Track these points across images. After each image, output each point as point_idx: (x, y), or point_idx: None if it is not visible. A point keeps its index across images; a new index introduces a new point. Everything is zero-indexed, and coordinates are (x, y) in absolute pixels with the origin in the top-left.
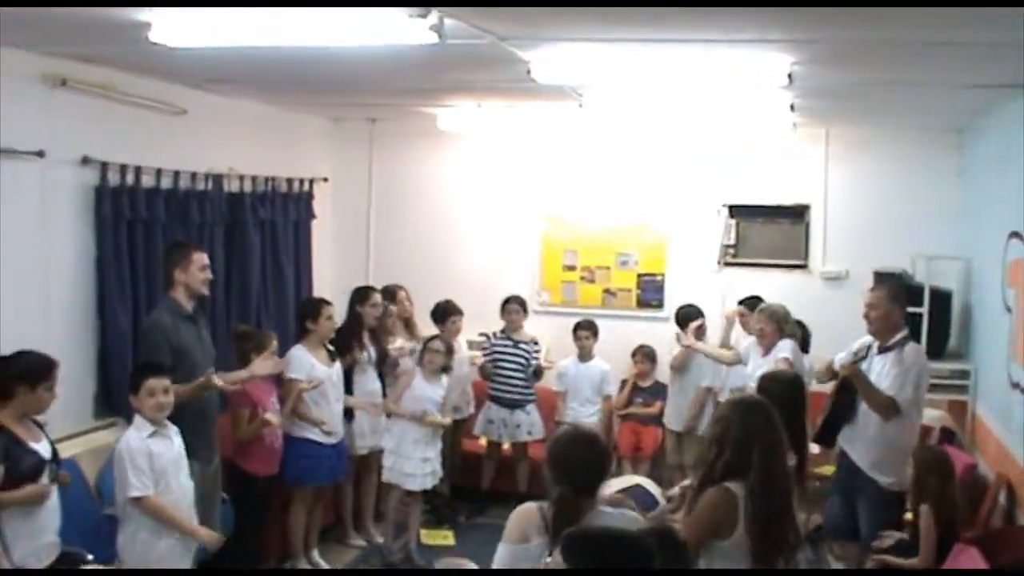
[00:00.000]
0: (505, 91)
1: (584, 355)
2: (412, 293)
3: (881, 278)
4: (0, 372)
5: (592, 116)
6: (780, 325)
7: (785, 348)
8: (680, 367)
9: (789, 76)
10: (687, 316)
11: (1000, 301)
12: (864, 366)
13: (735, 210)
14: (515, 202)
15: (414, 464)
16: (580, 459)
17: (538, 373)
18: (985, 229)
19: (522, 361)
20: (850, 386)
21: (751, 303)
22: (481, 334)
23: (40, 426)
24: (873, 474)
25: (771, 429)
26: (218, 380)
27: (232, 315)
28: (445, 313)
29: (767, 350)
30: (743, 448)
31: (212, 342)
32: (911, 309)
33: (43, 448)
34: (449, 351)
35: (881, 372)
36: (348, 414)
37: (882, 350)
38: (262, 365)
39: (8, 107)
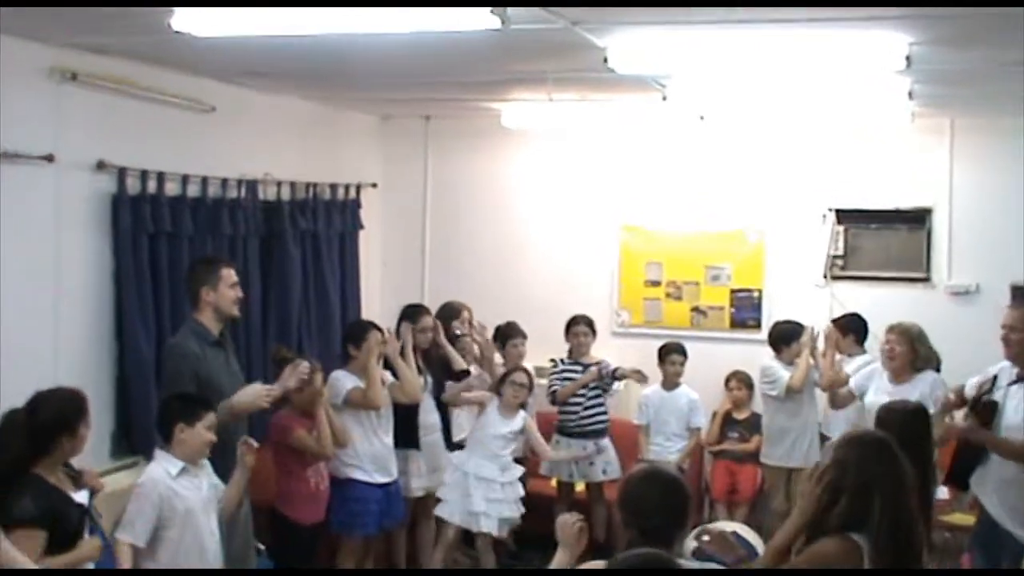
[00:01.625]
0: (578, 83)
1: (669, 382)
2: (476, 315)
3: (1020, 293)
4: (34, 423)
5: (677, 110)
6: (914, 346)
7: (929, 381)
8: (799, 387)
9: (907, 59)
10: (785, 335)
11: None
12: (997, 396)
13: (844, 215)
14: (590, 209)
15: (483, 500)
16: (654, 502)
17: (616, 375)
18: None
19: (593, 387)
20: (985, 414)
21: (847, 322)
22: (552, 360)
23: (72, 470)
24: (1013, 527)
25: (897, 472)
26: (250, 454)
27: (269, 340)
28: (506, 336)
29: (897, 376)
30: (863, 496)
31: (243, 371)
32: None
33: (81, 495)
34: (531, 385)
35: (1019, 406)
36: (407, 443)
37: (1021, 379)
38: (290, 376)
39: (12, 105)
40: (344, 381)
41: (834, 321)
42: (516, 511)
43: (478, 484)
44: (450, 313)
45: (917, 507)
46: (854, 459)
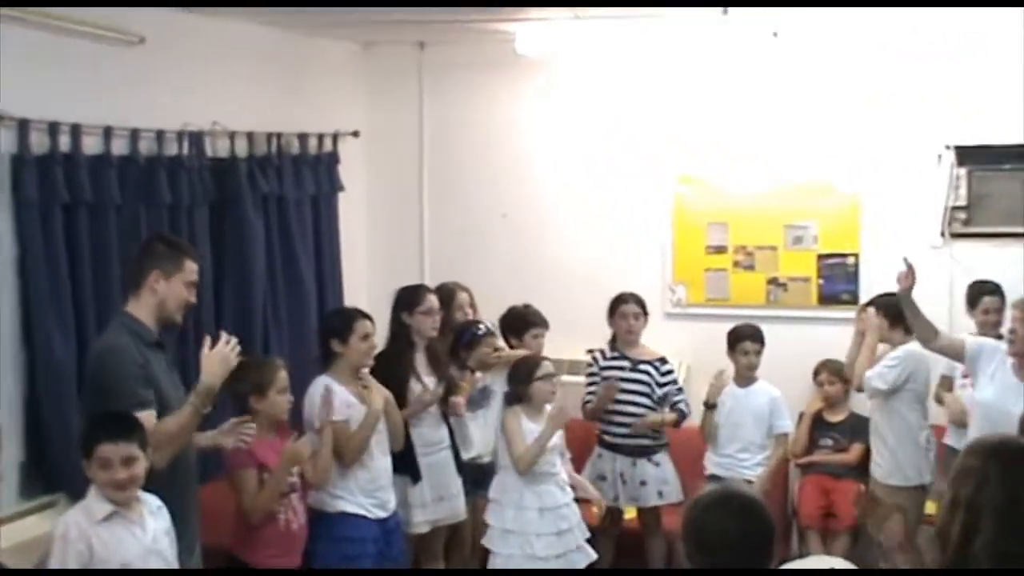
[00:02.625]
0: None
1: (744, 377)
2: (482, 295)
3: None
4: None
5: (743, 26)
6: None
7: None
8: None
9: None
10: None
11: None
12: None
13: (966, 154)
14: (633, 158)
15: (542, 541)
16: (729, 533)
17: (674, 410)
18: None
19: (645, 390)
20: None
21: (891, 303)
22: (589, 351)
23: None
24: None
25: None
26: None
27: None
28: (523, 324)
29: None
30: (1007, 517)
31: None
32: None
33: None
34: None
35: None
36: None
37: None
38: (226, 433)
39: None
40: (332, 394)
41: (876, 302)
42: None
43: (543, 519)
44: (444, 297)
45: None
46: (994, 472)
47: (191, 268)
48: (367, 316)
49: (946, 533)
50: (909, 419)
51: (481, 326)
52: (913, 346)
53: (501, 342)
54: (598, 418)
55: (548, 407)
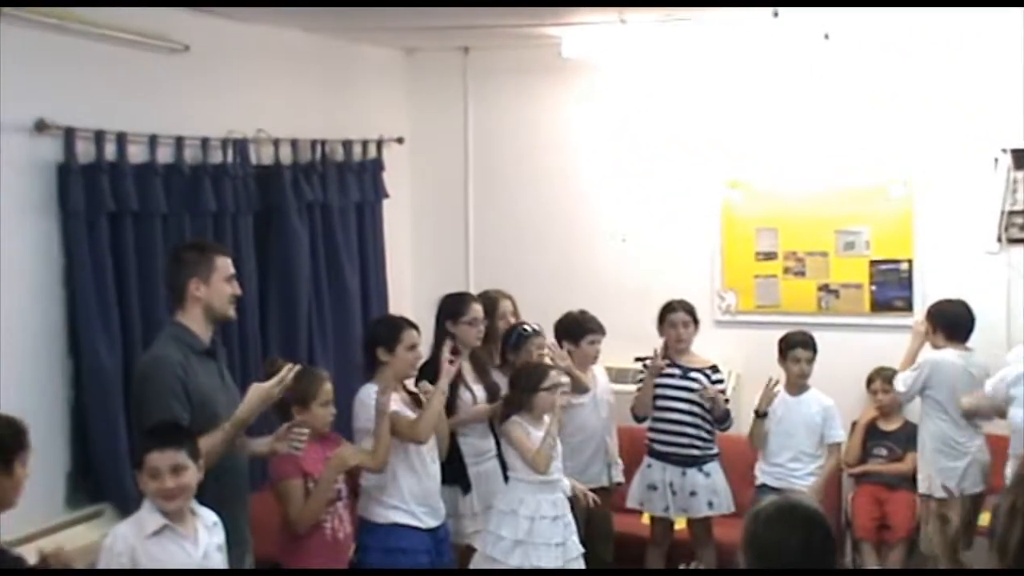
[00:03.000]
0: None
1: (796, 385)
2: (528, 303)
3: None
4: None
5: (794, 28)
6: None
7: None
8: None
9: None
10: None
11: None
12: None
13: (1023, 157)
14: (680, 163)
15: (551, 553)
16: (792, 546)
17: (721, 415)
18: None
19: (696, 398)
20: None
21: (940, 311)
22: (638, 359)
23: None
24: None
25: None
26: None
27: (270, 344)
28: (580, 329)
29: None
30: None
31: (237, 385)
32: None
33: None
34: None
35: None
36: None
37: None
38: (280, 438)
39: None
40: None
41: (930, 310)
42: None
43: (554, 526)
44: (487, 306)
45: None
46: None
47: (224, 263)
48: (414, 325)
49: (1005, 543)
50: (937, 427)
51: (527, 327)
52: (934, 353)
53: (551, 340)
54: (645, 414)
55: (547, 417)
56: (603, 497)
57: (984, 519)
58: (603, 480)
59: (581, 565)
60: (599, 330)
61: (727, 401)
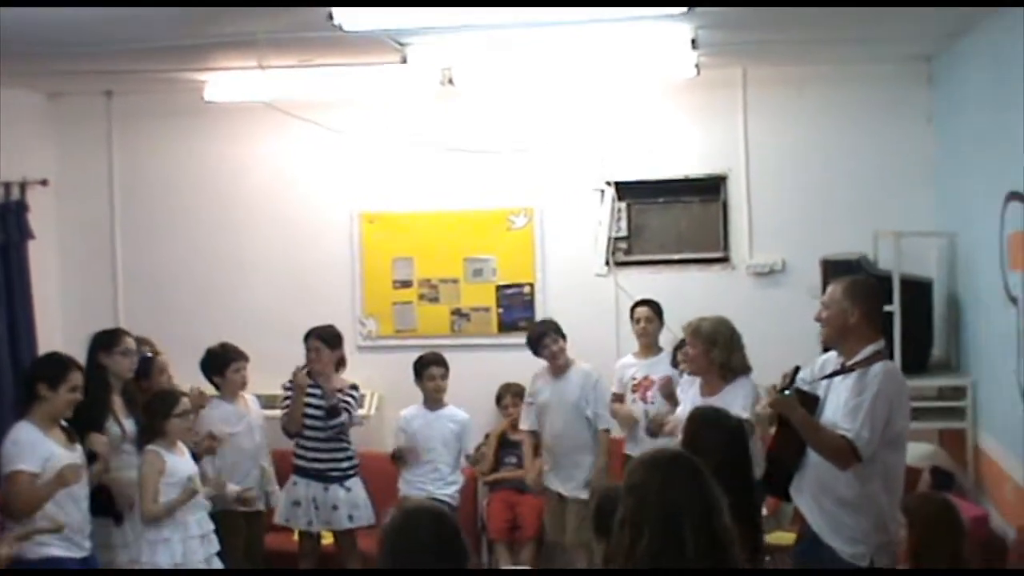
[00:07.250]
0: (298, 45)
1: (433, 401)
2: (177, 339)
3: (833, 269)
4: None
5: (421, 74)
6: (707, 348)
7: (743, 391)
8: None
9: None
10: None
11: (1000, 289)
12: (821, 392)
13: (625, 189)
14: (322, 198)
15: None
16: (420, 548)
17: (333, 411)
18: (971, 191)
19: (336, 425)
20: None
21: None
22: (286, 386)
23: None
24: (832, 541)
25: (704, 493)
26: None
27: None
28: (222, 361)
29: (707, 386)
30: (669, 525)
31: None
32: None
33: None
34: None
35: (838, 402)
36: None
37: (846, 368)
38: None
39: None
40: (33, 442)
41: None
42: None
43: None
44: (146, 368)
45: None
46: (655, 484)
47: None
48: (81, 368)
49: (619, 545)
50: None
51: (145, 349)
52: None
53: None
54: (296, 430)
55: (181, 444)
56: (258, 520)
57: None
58: (260, 504)
59: None
60: (240, 357)
61: (346, 403)
